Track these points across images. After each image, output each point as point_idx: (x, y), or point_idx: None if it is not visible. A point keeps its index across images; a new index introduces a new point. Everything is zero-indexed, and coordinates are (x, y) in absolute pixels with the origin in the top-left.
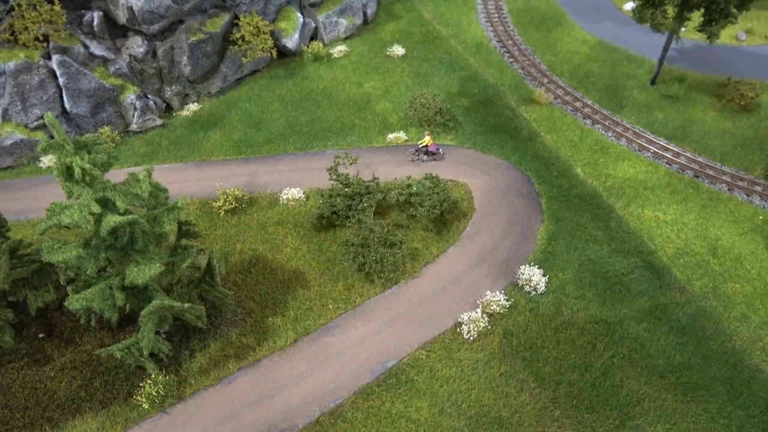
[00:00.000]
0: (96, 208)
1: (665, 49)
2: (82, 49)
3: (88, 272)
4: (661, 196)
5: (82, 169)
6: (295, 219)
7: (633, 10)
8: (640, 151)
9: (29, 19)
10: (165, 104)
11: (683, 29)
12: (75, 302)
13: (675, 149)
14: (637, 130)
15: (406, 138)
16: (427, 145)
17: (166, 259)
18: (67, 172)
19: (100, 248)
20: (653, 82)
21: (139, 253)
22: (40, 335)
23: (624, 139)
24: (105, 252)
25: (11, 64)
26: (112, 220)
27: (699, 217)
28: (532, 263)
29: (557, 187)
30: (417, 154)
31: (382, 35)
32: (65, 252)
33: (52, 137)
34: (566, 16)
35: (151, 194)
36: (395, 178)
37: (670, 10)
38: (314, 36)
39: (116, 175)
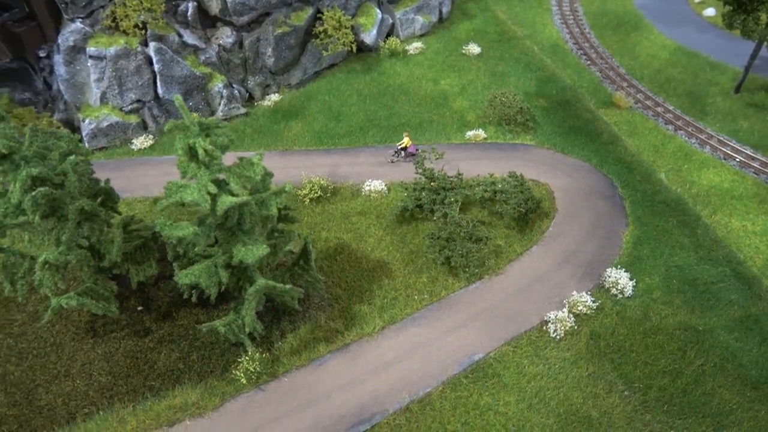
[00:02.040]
0: (213, 189)
1: (753, 56)
2: (176, 38)
3: (196, 249)
4: (748, 206)
5: (205, 150)
6: (378, 210)
7: (722, 15)
8: (725, 159)
9: (130, 7)
10: (248, 94)
11: None
12: (184, 277)
13: (762, 159)
14: (722, 138)
15: (485, 136)
16: (406, 146)
17: (267, 242)
18: (190, 153)
19: (212, 227)
20: (737, 90)
21: (246, 234)
22: (139, 308)
23: (708, 147)
24: (214, 231)
25: (112, 50)
26: (227, 200)
27: None
28: (618, 266)
29: (641, 191)
30: (396, 155)
31: (457, 33)
32: (183, 229)
33: (144, 121)
34: (644, 19)
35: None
36: (477, 175)
37: (763, 17)
38: (390, 32)
39: None
